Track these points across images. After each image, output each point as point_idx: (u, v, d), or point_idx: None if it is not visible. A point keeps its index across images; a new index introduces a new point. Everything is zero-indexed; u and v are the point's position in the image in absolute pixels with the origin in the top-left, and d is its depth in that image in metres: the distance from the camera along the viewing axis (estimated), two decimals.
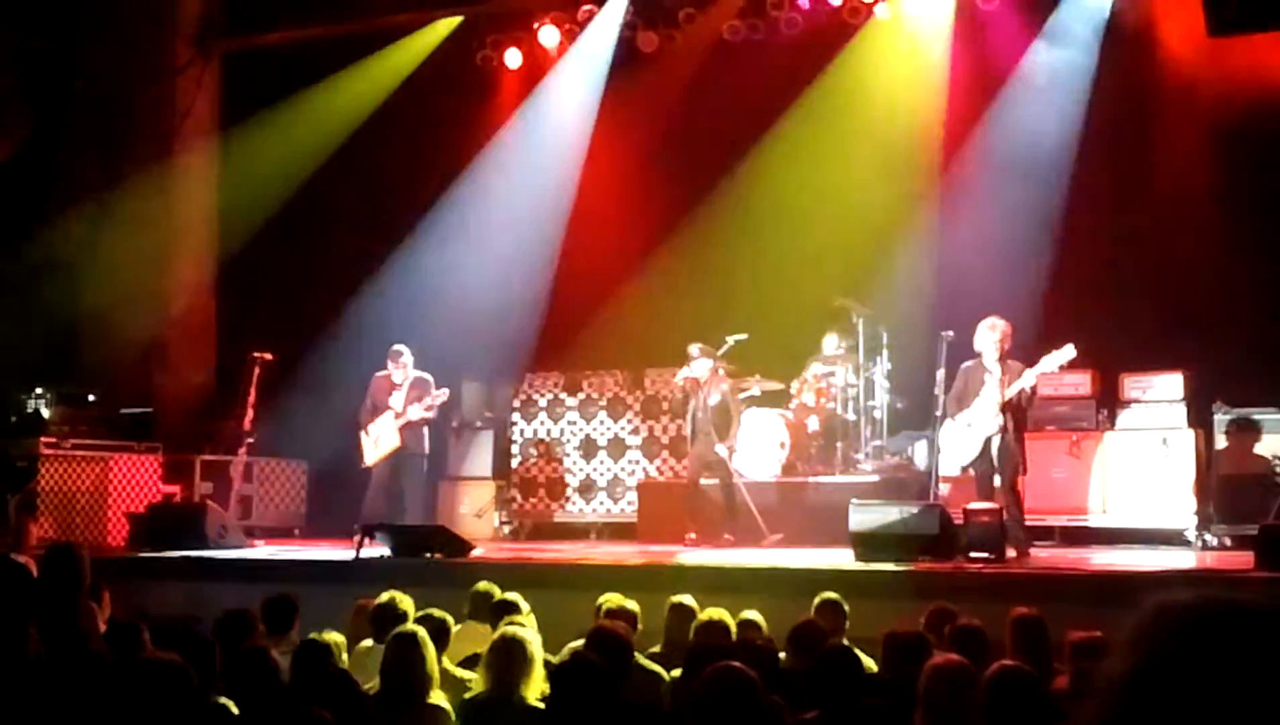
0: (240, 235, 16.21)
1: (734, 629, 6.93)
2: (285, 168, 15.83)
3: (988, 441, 10.66)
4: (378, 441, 12.96)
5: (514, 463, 15.05)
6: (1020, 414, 10.77)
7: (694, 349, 12.78)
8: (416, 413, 12.84)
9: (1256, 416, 11.92)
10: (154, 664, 4.56)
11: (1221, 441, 12.01)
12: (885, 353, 13.53)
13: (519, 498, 15.00)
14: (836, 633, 6.83)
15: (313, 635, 6.19)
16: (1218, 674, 1.22)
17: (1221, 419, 12.04)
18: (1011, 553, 10.14)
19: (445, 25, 15.88)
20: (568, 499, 14.88)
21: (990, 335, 10.71)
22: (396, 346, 13.06)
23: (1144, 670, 1.26)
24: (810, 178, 14.42)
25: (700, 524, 12.57)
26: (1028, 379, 10.61)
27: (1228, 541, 11.58)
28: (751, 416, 13.45)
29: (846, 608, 7.51)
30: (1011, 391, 10.58)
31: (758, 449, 13.28)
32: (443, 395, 12.98)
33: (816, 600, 7.51)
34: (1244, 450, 11.86)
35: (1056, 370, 10.92)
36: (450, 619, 7.00)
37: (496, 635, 5.91)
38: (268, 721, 4.36)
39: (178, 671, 4.46)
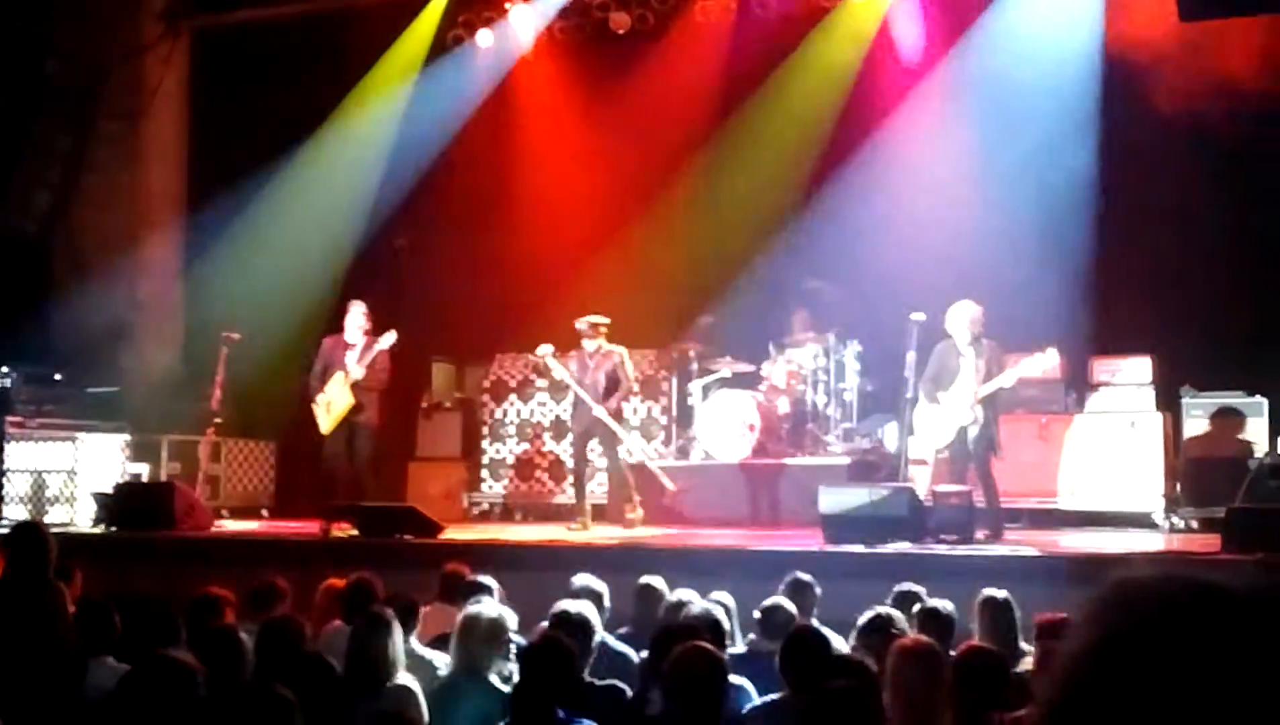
0: (209, 213, 16.14)
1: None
2: (254, 147, 15.75)
3: (963, 427, 10.68)
4: (330, 405, 12.29)
5: (484, 443, 15.02)
6: (995, 403, 10.77)
7: (582, 324, 12.50)
8: (358, 371, 12.07)
9: (1224, 400, 12.00)
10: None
11: (1189, 425, 12.09)
12: (855, 335, 13.56)
13: (488, 479, 14.98)
14: (805, 613, 6.84)
15: (276, 616, 6.17)
16: (1177, 653, 1.20)
17: (1189, 403, 12.12)
18: (981, 535, 10.17)
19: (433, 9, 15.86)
20: (537, 480, 14.86)
21: (962, 318, 10.73)
22: (355, 302, 12.57)
23: (1100, 648, 1.25)
24: (779, 159, 14.42)
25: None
26: (1006, 380, 10.61)
27: (1195, 524, 11.66)
28: (721, 398, 13.47)
29: (818, 589, 7.51)
30: (988, 389, 10.58)
31: (728, 431, 13.29)
32: (390, 337, 12.10)
33: (785, 581, 7.50)
34: (1211, 434, 11.94)
35: (1040, 374, 10.93)
36: (418, 600, 6.99)
37: (462, 615, 5.89)
38: (233, 701, 4.35)
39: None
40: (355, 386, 12.17)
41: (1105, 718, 1.21)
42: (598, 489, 14.39)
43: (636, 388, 12.89)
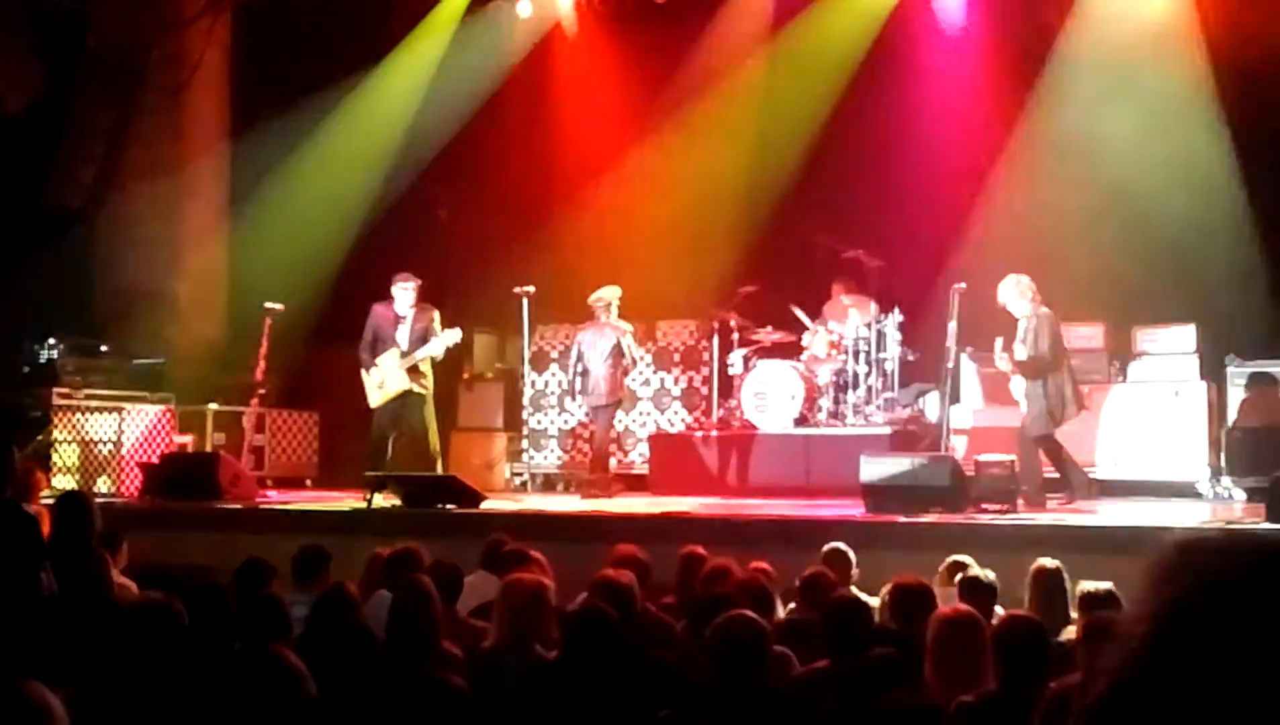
0: (252, 187, 16.23)
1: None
2: (296, 122, 15.81)
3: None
4: (384, 383, 12.40)
5: (525, 414, 15.03)
6: (1046, 379, 10.73)
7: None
8: (423, 353, 12.26)
9: (1269, 369, 11.90)
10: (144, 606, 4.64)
11: (1234, 394, 12.00)
12: (896, 305, 13.50)
13: (529, 449, 14.99)
14: (843, 583, 6.85)
15: (335, 584, 6.24)
16: (1251, 615, 1.18)
17: (1234, 372, 12.03)
18: (1020, 503, 10.17)
19: None
20: (579, 451, 14.89)
21: (1000, 292, 10.79)
22: (403, 273, 12.55)
23: (1170, 612, 1.21)
24: (819, 127, 14.35)
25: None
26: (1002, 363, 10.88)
27: (1239, 494, 11.59)
28: (762, 368, 13.45)
29: (853, 557, 7.53)
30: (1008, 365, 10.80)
31: (769, 401, 13.28)
32: (454, 336, 12.40)
33: (823, 550, 7.52)
34: (1256, 403, 11.85)
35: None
36: (461, 569, 7.03)
37: (504, 583, 5.91)
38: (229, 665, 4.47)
39: (164, 611, 4.55)
40: (410, 370, 12.28)
41: (1181, 683, 1.18)
42: (639, 459, 14.46)
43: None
